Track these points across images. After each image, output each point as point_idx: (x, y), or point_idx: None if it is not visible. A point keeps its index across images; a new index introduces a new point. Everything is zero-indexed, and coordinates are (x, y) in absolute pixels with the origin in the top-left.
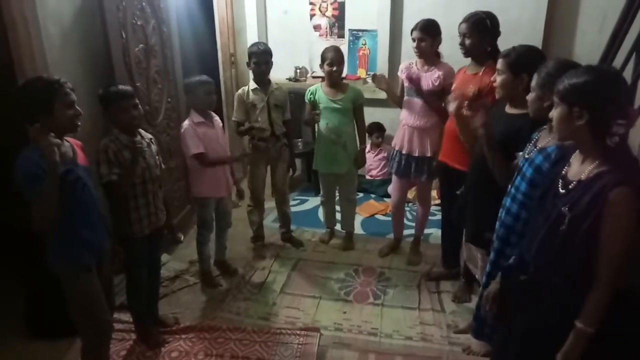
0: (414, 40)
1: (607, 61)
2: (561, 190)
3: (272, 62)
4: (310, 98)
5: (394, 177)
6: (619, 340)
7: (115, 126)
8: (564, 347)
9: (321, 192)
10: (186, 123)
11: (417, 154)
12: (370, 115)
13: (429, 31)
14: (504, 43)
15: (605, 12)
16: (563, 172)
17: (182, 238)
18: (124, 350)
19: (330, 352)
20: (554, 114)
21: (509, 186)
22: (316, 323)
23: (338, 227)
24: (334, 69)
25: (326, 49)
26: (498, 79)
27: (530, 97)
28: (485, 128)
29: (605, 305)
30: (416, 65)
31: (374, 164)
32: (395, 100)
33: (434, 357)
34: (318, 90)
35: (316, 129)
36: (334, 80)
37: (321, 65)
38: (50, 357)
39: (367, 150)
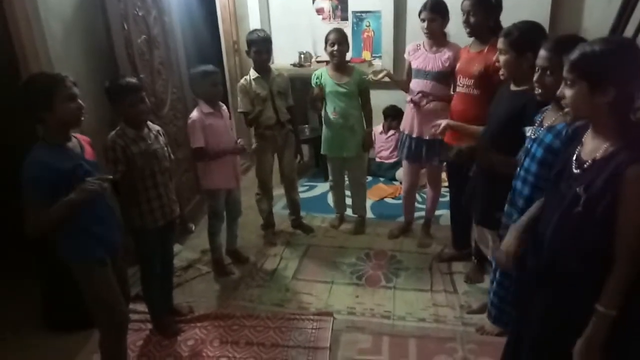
0: (423, 20)
1: (617, 33)
2: (575, 171)
3: (272, 49)
4: (317, 82)
5: (404, 162)
6: None
7: (123, 120)
8: (585, 332)
9: (330, 177)
10: (194, 114)
11: (428, 137)
12: (378, 98)
13: (439, 10)
14: (510, 19)
15: None
16: (576, 151)
17: (193, 228)
18: (141, 340)
19: (344, 336)
20: (569, 92)
21: (518, 169)
22: (329, 308)
23: (348, 212)
24: (336, 48)
25: (330, 30)
26: (501, 58)
27: (537, 77)
28: (478, 155)
29: (626, 287)
30: (424, 46)
31: (384, 145)
32: (400, 86)
33: (447, 337)
34: (324, 74)
35: (322, 114)
36: (338, 61)
37: (325, 48)
38: (68, 349)
39: (379, 131)
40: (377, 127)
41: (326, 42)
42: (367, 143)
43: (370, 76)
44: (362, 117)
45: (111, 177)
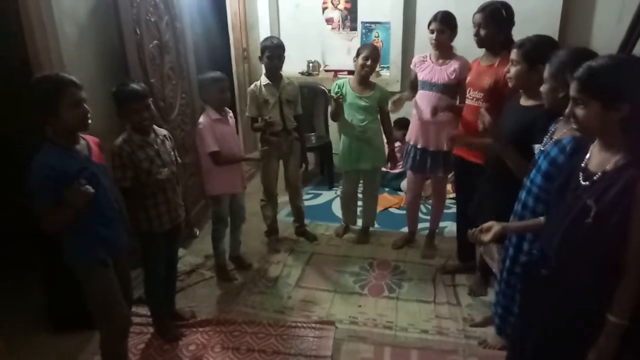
0: (432, 32)
1: (626, 51)
2: (583, 182)
3: (284, 57)
4: (338, 92)
5: (408, 173)
6: None
7: (129, 125)
8: (598, 343)
9: (342, 189)
10: (203, 120)
11: (432, 148)
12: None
13: (448, 23)
14: (520, 33)
15: (623, 1)
16: (583, 163)
17: (198, 233)
18: (142, 343)
19: (346, 345)
20: (580, 112)
21: (525, 179)
22: (331, 316)
23: (358, 222)
24: (368, 62)
25: (364, 44)
26: (512, 69)
27: (544, 88)
28: (491, 129)
29: (637, 298)
30: (430, 58)
31: None
32: (412, 99)
33: (449, 350)
34: (346, 85)
35: (341, 125)
36: (365, 75)
37: (355, 59)
38: (71, 350)
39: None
40: None
41: (358, 54)
42: (392, 158)
43: (390, 106)
44: (380, 131)
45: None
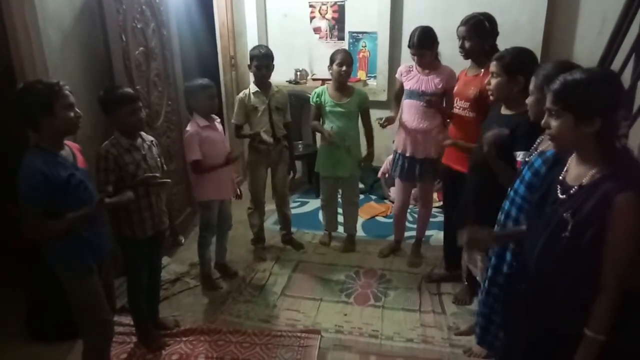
0: (413, 54)
1: (607, 63)
2: (561, 196)
3: (273, 65)
4: (317, 101)
5: (397, 181)
6: (634, 347)
7: (117, 129)
8: (575, 357)
9: (322, 195)
10: (190, 127)
11: (420, 156)
12: (374, 116)
13: (426, 44)
14: (504, 44)
15: (604, 14)
16: (560, 176)
17: (183, 241)
18: (125, 353)
19: (331, 354)
20: (554, 123)
21: (509, 189)
22: (317, 325)
23: (339, 229)
24: (344, 69)
25: (336, 50)
26: (493, 81)
27: (529, 100)
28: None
29: (614, 311)
30: (416, 68)
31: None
32: (397, 113)
33: (434, 359)
34: (324, 93)
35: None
36: (342, 81)
37: (329, 67)
38: None
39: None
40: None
41: (332, 62)
42: (367, 164)
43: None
44: (359, 138)
45: (110, 190)
